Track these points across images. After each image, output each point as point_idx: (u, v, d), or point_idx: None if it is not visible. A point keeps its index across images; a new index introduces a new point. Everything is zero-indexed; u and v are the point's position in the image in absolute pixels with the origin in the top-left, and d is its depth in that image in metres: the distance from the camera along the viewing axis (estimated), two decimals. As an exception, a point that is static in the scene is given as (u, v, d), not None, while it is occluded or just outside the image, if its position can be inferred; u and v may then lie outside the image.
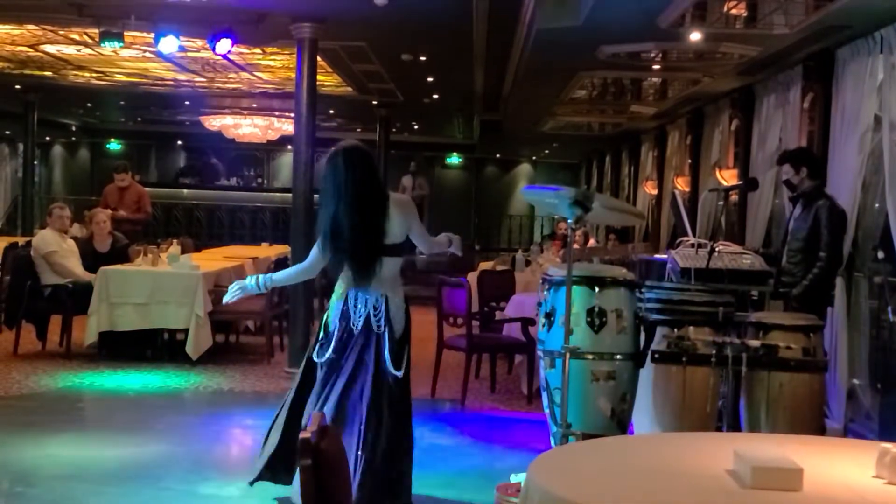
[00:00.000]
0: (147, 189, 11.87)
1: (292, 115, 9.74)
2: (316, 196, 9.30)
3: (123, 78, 14.89)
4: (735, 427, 4.94)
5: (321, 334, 4.87)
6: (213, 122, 19.26)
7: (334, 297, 4.88)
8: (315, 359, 4.83)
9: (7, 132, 21.67)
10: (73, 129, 24.43)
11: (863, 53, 7.08)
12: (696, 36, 7.67)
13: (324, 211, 4.76)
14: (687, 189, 12.09)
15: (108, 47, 9.47)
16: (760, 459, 2.45)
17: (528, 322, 7.52)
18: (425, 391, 7.80)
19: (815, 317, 5.23)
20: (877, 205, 7.33)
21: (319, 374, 4.84)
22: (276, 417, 4.98)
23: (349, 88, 14.68)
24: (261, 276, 5.00)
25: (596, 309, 4.79)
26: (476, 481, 5.57)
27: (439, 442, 6.44)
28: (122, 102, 19.10)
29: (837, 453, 2.94)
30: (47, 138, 24.45)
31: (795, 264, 6.17)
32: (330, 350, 4.77)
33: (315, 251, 4.85)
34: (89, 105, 20.13)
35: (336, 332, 4.78)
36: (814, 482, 2.45)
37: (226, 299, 5.09)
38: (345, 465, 2.53)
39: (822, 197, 6.24)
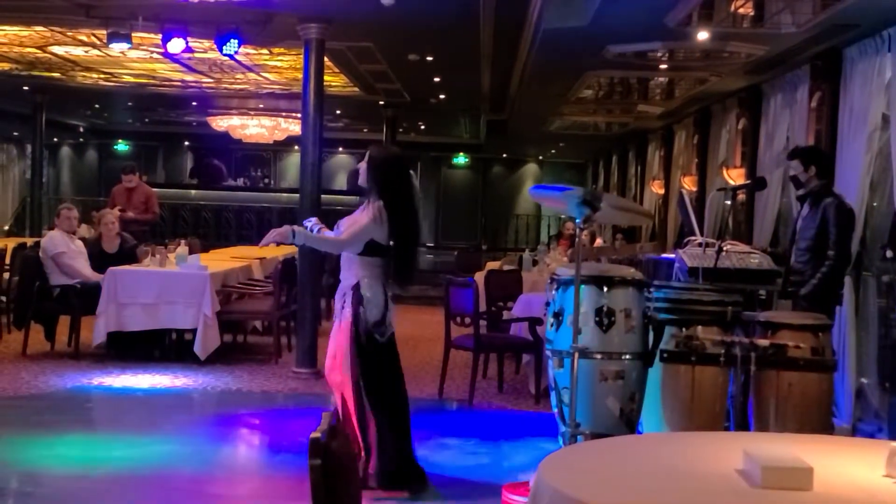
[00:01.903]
0: (154, 190, 11.90)
1: (299, 115, 9.75)
2: (323, 196, 9.37)
3: (131, 79, 14.92)
4: (744, 426, 4.93)
5: (370, 326, 5.15)
6: (221, 123, 19.30)
7: (375, 296, 5.15)
8: (380, 340, 5.18)
9: (15, 133, 21.73)
10: (81, 130, 24.48)
11: (871, 52, 7.07)
12: (703, 35, 7.66)
13: (395, 204, 5.13)
14: (694, 188, 12.08)
15: (116, 48, 9.49)
16: (770, 459, 2.45)
17: (535, 321, 7.52)
18: (433, 391, 7.81)
19: (824, 316, 5.22)
20: (875, 203, 7.32)
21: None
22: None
23: (356, 89, 14.69)
24: (299, 230, 5.18)
25: (604, 308, 4.79)
26: (484, 481, 5.56)
27: (447, 441, 6.44)
28: (129, 103, 19.14)
29: (847, 453, 2.93)
30: (55, 139, 24.51)
31: (804, 263, 6.16)
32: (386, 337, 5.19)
33: (361, 233, 5.08)
34: (97, 106, 20.17)
35: (384, 325, 5.17)
36: (824, 482, 2.45)
37: (262, 243, 5.20)
38: (354, 465, 2.54)
39: (831, 196, 6.23)
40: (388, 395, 5.26)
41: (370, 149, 5.40)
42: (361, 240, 5.13)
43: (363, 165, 5.27)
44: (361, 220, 5.14)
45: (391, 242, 5.17)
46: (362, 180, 5.27)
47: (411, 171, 5.40)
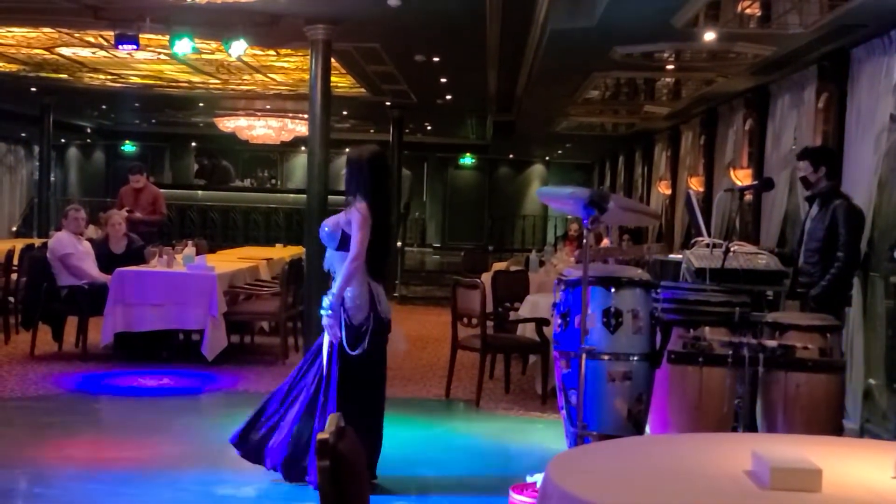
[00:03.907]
0: (161, 191, 11.92)
1: (306, 116, 9.76)
2: (330, 197, 9.39)
3: (138, 80, 14.96)
4: (751, 428, 4.92)
5: (352, 330, 5.17)
6: (228, 124, 19.33)
7: (359, 296, 5.20)
8: (352, 352, 5.17)
9: (23, 134, 21.80)
10: (89, 131, 24.55)
11: (878, 53, 7.05)
12: (710, 36, 7.65)
13: (378, 200, 5.27)
14: (701, 189, 12.06)
15: (124, 50, 9.51)
16: (779, 460, 2.45)
17: (542, 322, 7.52)
18: (439, 392, 7.81)
19: (832, 317, 5.21)
20: (882, 204, 7.29)
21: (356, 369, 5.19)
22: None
23: (362, 90, 14.70)
24: (328, 300, 5.23)
25: (612, 309, 4.78)
26: (491, 482, 5.57)
27: (454, 442, 6.45)
28: (136, 104, 19.19)
29: (856, 454, 2.93)
30: (63, 140, 24.58)
31: (813, 265, 6.15)
32: (365, 343, 5.18)
33: (363, 238, 5.18)
34: (104, 107, 20.23)
35: (370, 325, 5.21)
36: (833, 483, 2.45)
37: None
38: (362, 466, 2.54)
39: (839, 197, 6.22)
40: (361, 403, 5.28)
41: (348, 153, 5.60)
42: (365, 245, 5.22)
43: (346, 171, 5.44)
44: (355, 227, 5.21)
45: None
46: (347, 183, 5.42)
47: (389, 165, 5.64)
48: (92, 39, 11.19)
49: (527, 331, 8.00)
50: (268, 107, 18.14)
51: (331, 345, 5.22)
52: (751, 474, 2.51)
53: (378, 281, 5.35)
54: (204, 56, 11.85)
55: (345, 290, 5.20)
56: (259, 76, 13.90)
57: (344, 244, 5.25)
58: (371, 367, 5.31)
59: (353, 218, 5.24)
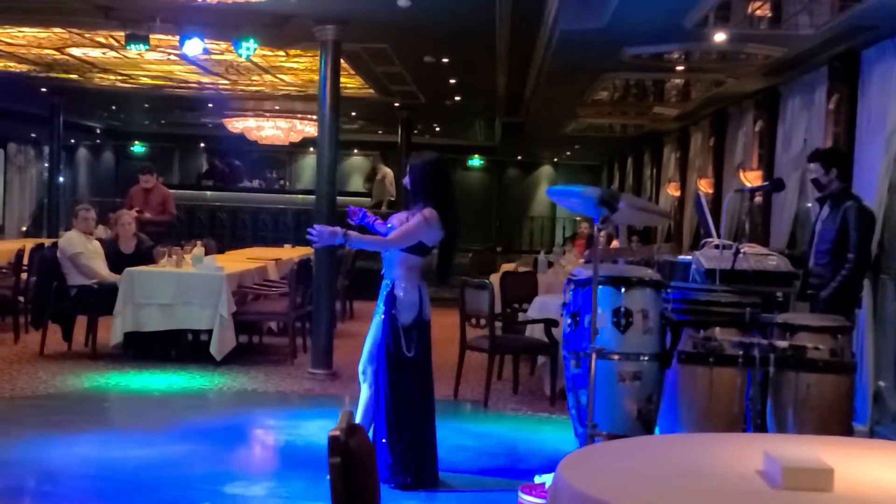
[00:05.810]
0: (171, 191, 11.93)
1: (315, 117, 9.76)
2: (338, 197, 9.38)
3: (148, 81, 14.98)
4: (762, 428, 4.91)
5: (401, 331, 5.28)
6: (236, 125, 19.35)
7: (404, 292, 5.28)
8: (408, 354, 5.29)
9: (33, 135, 21.85)
10: (98, 131, 24.60)
11: (889, 54, 7.03)
12: (720, 37, 7.63)
13: (444, 206, 5.27)
14: (710, 191, 12.03)
15: (134, 50, 9.53)
16: (791, 460, 2.44)
17: (550, 323, 7.51)
18: (448, 392, 7.80)
19: (843, 318, 5.20)
20: (890, 205, 7.26)
21: (409, 370, 5.29)
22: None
23: (371, 90, 14.70)
24: (351, 233, 5.24)
25: (622, 309, 4.78)
26: (499, 482, 5.56)
27: (462, 443, 6.44)
28: (146, 105, 19.22)
29: (867, 454, 2.92)
30: (72, 141, 24.62)
31: (823, 266, 6.13)
32: (415, 345, 5.31)
33: (409, 235, 5.21)
34: (114, 108, 20.27)
35: (417, 328, 5.32)
36: (845, 483, 2.44)
37: (316, 245, 5.40)
38: (373, 462, 2.54)
39: (850, 198, 6.20)
40: (411, 409, 5.34)
41: (409, 160, 5.58)
42: (408, 242, 5.24)
43: (406, 179, 5.42)
44: (411, 223, 5.25)
45: (440, 243, 5.33)
46: (412, 192, 5.41)
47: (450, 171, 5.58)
48: (102, 40, 11.21)
49: (535, 332, 7.99)
50: (277, 107, 18.16)
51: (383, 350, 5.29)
52: (762, 474, 2.51)
53: (426, 284, 5.42)
54: (213, 57, 11.86)
55: (375, 249, 5.45)
56: (268, 77, 13.92)
57: (412, 246, 5.26)
58: (416, 371, 5.35)
59: (416, 217, 5.25)
